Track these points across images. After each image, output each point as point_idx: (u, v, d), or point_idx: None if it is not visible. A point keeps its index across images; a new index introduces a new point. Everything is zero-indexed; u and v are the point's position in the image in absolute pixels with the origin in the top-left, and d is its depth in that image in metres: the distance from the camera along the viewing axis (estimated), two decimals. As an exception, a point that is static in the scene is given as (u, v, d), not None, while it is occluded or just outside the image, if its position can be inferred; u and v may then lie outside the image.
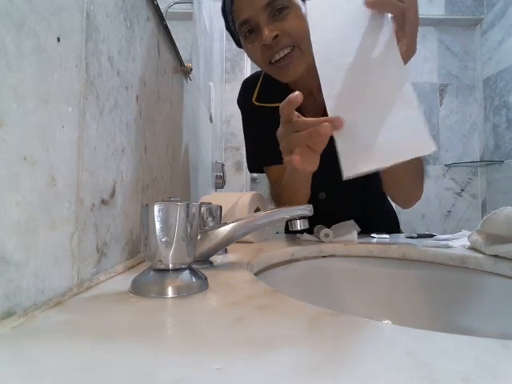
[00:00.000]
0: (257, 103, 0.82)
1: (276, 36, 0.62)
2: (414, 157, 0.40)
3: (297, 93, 0.43)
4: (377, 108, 0.42)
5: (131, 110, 0.41)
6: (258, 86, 0.83)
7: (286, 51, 0.64)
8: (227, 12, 0.69)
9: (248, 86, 0.85)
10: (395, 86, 0.41)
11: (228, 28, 0.74)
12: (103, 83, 0.33)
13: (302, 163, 0.44)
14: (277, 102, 0.79)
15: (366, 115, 0.42)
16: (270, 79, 0.73)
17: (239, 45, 0.74)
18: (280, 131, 0.46)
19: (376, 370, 0.16)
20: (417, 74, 2.41)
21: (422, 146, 0.40)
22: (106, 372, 0.16)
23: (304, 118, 0.45)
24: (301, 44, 0.64)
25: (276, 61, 0.65)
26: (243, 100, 0.86)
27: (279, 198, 0.76)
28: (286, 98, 0.44)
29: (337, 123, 0.41)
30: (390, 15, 0.43)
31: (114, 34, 0.36)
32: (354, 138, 0.42)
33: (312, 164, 0.46)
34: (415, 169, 0.64)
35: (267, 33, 0.62)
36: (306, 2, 0.46)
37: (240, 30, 0.67)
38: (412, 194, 0.71)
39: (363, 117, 0.42)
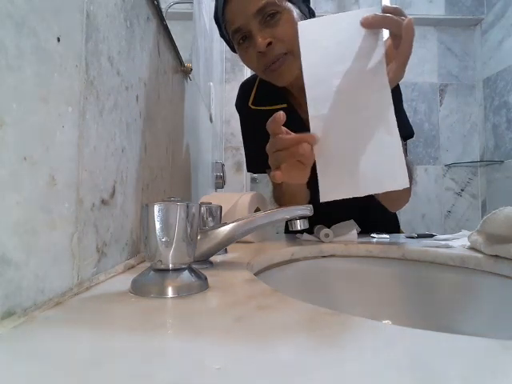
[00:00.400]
0: (253, 107, 0.82)
1: (270, 43, 0.62)
2: (386, 190, 0.42)
3: (280, 112, 0.45)
4: (359, 135, 0.43)
5: (131, 110, 0.41)
6: (254, 89, 0.83)
7: (278, 56, 0.64)
8: (220, 20, 0.69)
9: (245, 89, 0.86)
10: (379, 114, 0.43)
11: (222, 36, 0.74)
12: (103, 83, 0.33)
13: (289, 177, 0.47)
14: (273, 105, 0.80)
15: (348, 141, 0.43)
16: (266, 82, 0.73)
17: (235, 50, 0.74)
18: (268, 146, 0.48)
19: (376, 370, 0.16)
20: (417, 74, 2.41)
21: (396, 182, 0.42)
22: (106, 372, 0.16)
23: (289, 134, 0.47)
24: (294, 49, 0.64)
25: (269, 66, 0.66)
26: (240, 104, 0.86)
27: (280, 202, 0.77)
28: (272, 117, 0.46)
29: (311, 140, 0.44)
30: (384, 39, 0.44)
31: (114, 33, 0.36)
32: (334, 163, 0.44)
33: (301, 177, 0.48)
34: None
35: (260, 40, 0.62)
36: (298, 22, 0.47)
37: (233, 37, 0.67)
38: (400, 202, 0.75)
39: (345, 143, 0.43)
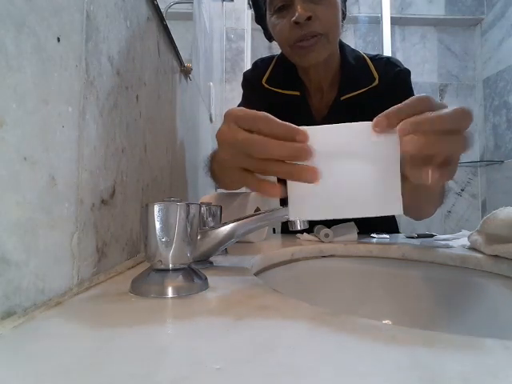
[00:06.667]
0: (266, 85, 0.81)
1: (309, 17, 0.62)
2: (377, 215, 0.32)
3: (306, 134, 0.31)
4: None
5: (131, 110, 0.41)
6: (270, 68, 0.83)
7: (313, 34, 0.64)
8: None
9: (261, 65, 0.85)
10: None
11: (255, 1, 0.73)
12: (103, 83, 0.33)
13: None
14: (286, 90, 0.79)
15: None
16: (283, 65, 0.73)
17: (259, 21, 0.73)
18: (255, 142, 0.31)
19: (376, 370, 0.16)
20: (417, 74, 2.41)
21: (391, 207, 0.32)
22: (106, 372, 0.16)
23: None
24: (329, 33, 0.64)
25: (300, 41, 0.65)
26: (253, 78, 0.85)
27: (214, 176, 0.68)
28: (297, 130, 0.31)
29: (302, 138, 0.30)
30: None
31: (114, 33, 0.36)
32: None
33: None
34: (435, 200, 0.59)
35: (302, 11, 0.61)
36: (305, 127, 0.32)
37: (271, 3, 0.66)
38: (423, 215, 0.67)
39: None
